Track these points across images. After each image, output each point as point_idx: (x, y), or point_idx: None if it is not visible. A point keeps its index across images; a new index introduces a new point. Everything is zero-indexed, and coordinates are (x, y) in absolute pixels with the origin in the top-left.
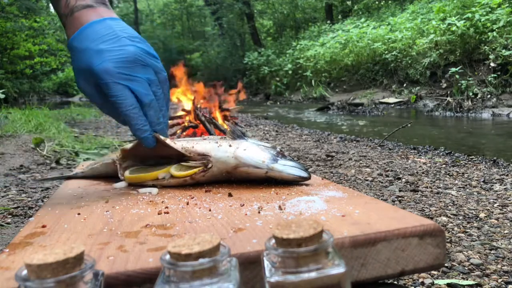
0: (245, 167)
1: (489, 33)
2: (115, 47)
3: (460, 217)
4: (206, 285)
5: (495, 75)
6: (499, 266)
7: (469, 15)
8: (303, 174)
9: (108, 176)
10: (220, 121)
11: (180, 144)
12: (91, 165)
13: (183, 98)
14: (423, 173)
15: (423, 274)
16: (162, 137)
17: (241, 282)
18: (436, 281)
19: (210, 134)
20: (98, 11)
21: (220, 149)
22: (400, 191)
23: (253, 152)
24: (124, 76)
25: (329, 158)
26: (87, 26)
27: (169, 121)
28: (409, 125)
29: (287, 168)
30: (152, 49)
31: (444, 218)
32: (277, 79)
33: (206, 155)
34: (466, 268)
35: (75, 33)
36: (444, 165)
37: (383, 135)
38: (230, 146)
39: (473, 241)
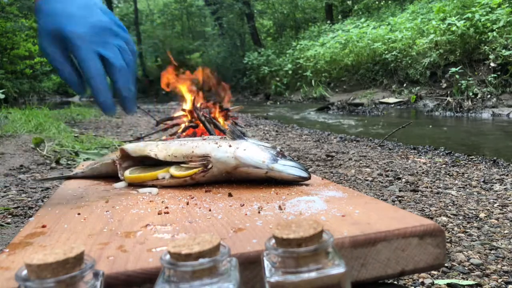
0: (245, 167)
1: (489, 33)
2: (88, 13)
3: (460, 217)
4: (206, 285)
5: (495, 75)
6: (499, 266)
7: (469, 15)
8: (303, 174)
9: (108, 176)
10: (220, 121)
11: (180, 152)
12: (91, 165)
13: (185, 92)
14: (423, 173)
15: (423, 274)
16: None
17: (241, 282)
18: (436, 281)
19: (210, 134)
20: None
21: (220, 150)
22: (400, 191)
23: (253, 152)
24: (96, 41)
25: (329, 158)
26: None
27: (169, 121)
28: (409, 124)
29: (287, 168)
30: (121, 23)
31: (444, 218)
32: (277, 79)
33: (206, 156)
34: (466, 268)
35: None
36: (444, 165)
37: (383, 135)
38: (230, 146)
39: (473, 241)
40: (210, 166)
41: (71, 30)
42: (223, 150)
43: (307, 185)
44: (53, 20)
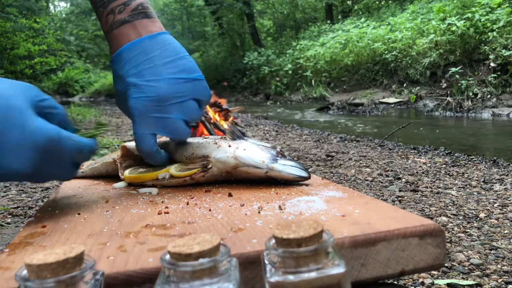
0: (245, 167)
1: (489, 33)
2: (148, 82)
3: (460, 217)
4: (206, 285)
5: (495, 75)
6: (499, 266)
7: (469, 15)
8: (303, 173)
9: (108, 176)
10: (220, 121)
11: (180, 153)
12: (91, 165)
13: None
14: (423, 173)
15: (423, 274)
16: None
17: (241, 282)
18: (436, 281)
19: (211, 134)
20: (136, 27)
21: (219, 150)
22: (400, 191)
23: (252, 152)
24: (154, 118)
25: (329, 158)
26: (124, 48)
27: None
28: (409, 124)
29: (287, 167)
30: (193, 70)
31: (444, 218)
32: (277, 79)
33: (206, 156)
34: (466, 268)
35: (114, 54)
36: (444, 165)
37: (383, 135)
38: (229, 146)
39: (473, 241)
40: (210, 166)
41: (130, 103)
42: (223, 150)
43: (307, 185)
44: (119, 84)
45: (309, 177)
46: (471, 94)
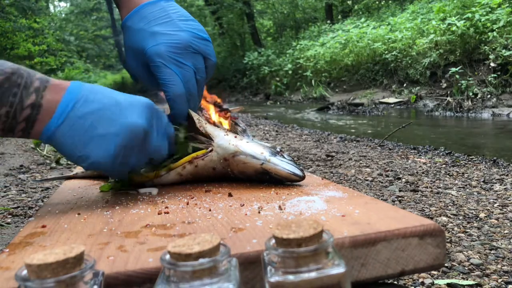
0: (243, 156)
1: (489, 33)
2: (169, 31)
3: (460, 217)
4: (206, 285)
5: (495, 75)
6: (499, 266)
7: (469, 15)
8: (298, 172)
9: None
10: (221, 121)
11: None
12: None
13: None
14: (423, 173)
15: (423, 274)
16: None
17: (241, 282)
18: (436, 281)
19: None
20: None
21: (225, 138)
22: (400, 191)
23: (254, 145)
24: (175, 62)
25: (329, 158)
26: (141, 6)
27: None
28: (409, 124)
29: (284, 163)
30: (204, 32)
31: (444, 218)
32: (277, 79)
33: (210, 138)
34: (466, 268)
35: (130, 13)
36: (444, 165)
37: (383, 135)
38: (235, 137)
39: (473, 241)
40: (210, 149)
41: (152, 49)
42: (227, 139)
43: (307, 185)
44: (136, 38)
45: (303, 177)
46: (471, 94)
